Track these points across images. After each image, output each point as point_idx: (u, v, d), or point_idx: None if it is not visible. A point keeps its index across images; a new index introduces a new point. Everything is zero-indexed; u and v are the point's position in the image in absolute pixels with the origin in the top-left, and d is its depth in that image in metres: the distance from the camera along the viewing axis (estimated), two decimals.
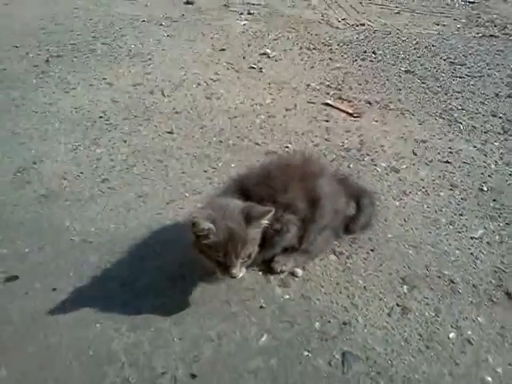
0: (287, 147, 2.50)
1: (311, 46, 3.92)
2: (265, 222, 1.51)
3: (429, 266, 1.81)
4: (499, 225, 2.02)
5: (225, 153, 2.44)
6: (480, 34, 4.25)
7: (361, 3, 5.22)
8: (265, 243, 1.60)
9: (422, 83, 3.28)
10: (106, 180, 2.20)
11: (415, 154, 2.48)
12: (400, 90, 3.19)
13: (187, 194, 2.12)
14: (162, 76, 3.29)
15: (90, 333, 1.51)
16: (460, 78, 3.37)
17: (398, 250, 1.87)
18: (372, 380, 1.41)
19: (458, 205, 2.13)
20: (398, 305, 1.65)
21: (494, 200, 2.16)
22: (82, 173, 2.25)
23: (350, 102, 3.02)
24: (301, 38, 4.13)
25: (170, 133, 2.60)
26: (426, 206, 2.11)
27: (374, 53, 3.78)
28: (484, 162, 2.44)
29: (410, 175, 2.31)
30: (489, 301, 1.68)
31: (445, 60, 3.66)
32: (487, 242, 1.93)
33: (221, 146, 2.50)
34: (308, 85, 3.24)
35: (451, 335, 1.55)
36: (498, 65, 3.58)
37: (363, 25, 4.47)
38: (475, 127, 2.75)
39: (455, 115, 2.88)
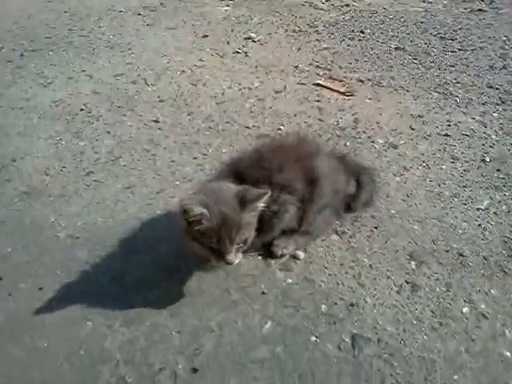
0: (280, 129, 2.39)
1: (297, 29, 3.81)
2: (261, 204, 1.41)
3: (436, 240, 1.72)
4: (505, 194, 1.94)
5: (215, 138, 2.34)
6: (468, 9, 4.15)
7: None
8: (263, 226, 1.50)
9: (414, 59, 3.19)
10: (91, 173, 2.09)
11: (413, 129, 2.39)
12: (391, 67, 3.09)
13: (178, 183, 2.02)
14: (143, 65, 3.17)
15: (81, 332, 1.41)
16: (452, 52, 3.28)
17: (403, 226, 1.78)
18: (385, 362, 1.32)
19: (461, 177, 2.04)
20: (406, 282, 1.56)
21: (498, 170, 2.08)
22: (64, 167, 2.13)
23: (341, 81, 2.92)
24: (285, 21, 4.01)
25: (155, 121, 2.49)
26: (428, 180, 2.02)
27: (361, 32, 3.68)
28: (484, 133, 2.35)
29: (409, 150, 2.22)
30: (501, 272, 1.60)
31: (435, 35, 3.56)
32: (494, 213, 1.84)
33: (210, 132, 2.39)
34: (296, 66, 3.13)
35: (464, 310, 1.47)
36: (489, 38, 3.49)
37: (348, 5, 4.36)
38: (472, 99, 2.66)
39: (450, 89, 2.79)
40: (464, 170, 2.08)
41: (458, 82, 2.86)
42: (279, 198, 1.52)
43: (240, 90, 2.83)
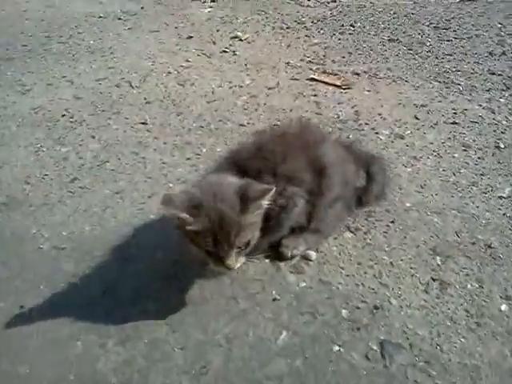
0: (276, 125, 2.24)
1: (284, 26, 3.68)
2: (265, 202, 1.24)
3: (459, 232, 1.57)
4: None
5: (208, 138, 2.17)
6: (457, 0, 4.07)
7: None
8: (269, 224, 1.34)
9: (409, 50, 3.06)
10: (76, 179, 1.91)
11: (417, 119, 2.25)
12: (387, 58, 2.97)
13: (171, 185, 1.85)
14: (127, 68, 3.00)
15: (70, 353, 1.23)
16: (448, 41, 3.17)
17: (421, 219, 1.63)
18: (422, 372, 1.15)
19: (477, 165, 1.90)
20: (433, 279, 1.40)
21: None
22: (46, 175, 1.95)
23: (336, 75, 2.78)
24: (271, 18, 3.88)
25: (143, 123, 2.32)
26: (441, 170, 1.87)
27: (352, 26, 3.56)
28: (494, 119, 2.22)
29: (416, 140, 2.08)
30: None
31: (428, 26, 3.45)
32: None
33: (202, 132, 2.23)
34: (287, 63, 2.99)
35: (503, 307, 1.31)
36: (483, 25, 3.39)
37: (334, 1, 4.25)
38: (475, 86, 2.54)
39: (451, 77, 2.66)
40: (478, 158, 1.94)
41: (459, 70, 2.74)
42: (286, 191, 1.35)
43: (231, 88, 2.68)
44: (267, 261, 1.48)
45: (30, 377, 1.17)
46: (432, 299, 1.34)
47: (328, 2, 4.24)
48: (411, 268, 1.44)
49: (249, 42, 3.41)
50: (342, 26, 3.59)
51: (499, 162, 1.90)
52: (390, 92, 2.54)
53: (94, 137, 2.22)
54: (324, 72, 2.83)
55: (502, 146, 2.00)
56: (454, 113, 2.29)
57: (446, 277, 1.40)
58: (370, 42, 3.23)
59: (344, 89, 2.60)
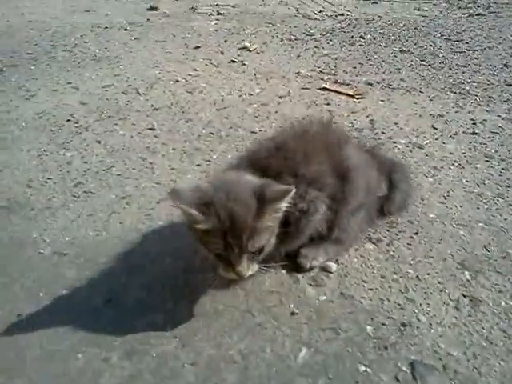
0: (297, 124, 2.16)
1: (292, 37, 3.63)
2: (284, 204, 1.14)
3: (488, 246, 1.47)
4: None
5: (218, 144, 2.09)
6: (466, 14, 4.03)
7: None
8: (287, 230, 1.24)
9: (422, 61, 3.01)
10: (80, 183, 1.82)
11: (435, 128, 2.18)
12: (399, 69, 2.90)
13: None
14: (133, 76, 2.93)
15: (70, 367, 1.12)
16: (460, 52, 3.11)
17: (446, 231, 1.53)
18: None
19: (501, 176, 1.81)
20: (464, 295, 1.30)
21: None
22: (49, 178, 1.86)
23: (348, 84, 2.72)
24: (279, 30, 3.84)
25: (151, 129, 2.24)
26: (464, 181, 1.79)
27: (361, 37, 3.51)
28: None
29: (436, 150, 2.00)
30: None
31: (439, 38, 3.41)
32: None
33: (212, 138, 2.15)
34: (298, 72, 2.93)
35: None
36: (496, 38, 3.35)
37: (342, 15, 4.22)
38: (493, 97, 2.47)
39: (467, 88, 2.60)
40: (502, 169, 1.86)
41: (474, 81, 2.67)
42: (307, 195, 1.25)
43: (240, 96, 2.61)
44: (284, 272, 1.38)
45: None
46: (464, 317, 1.24)
47: (336, 15, 4.20)
48: (439, 283, 1.34)
49: (257, 53, 3.35)
50: (352, 37, 3.54)
51: None
52: (404, 102, 2.47)
53: (99, 142, 2.14)
54: (336, 82, 2.76)
55: None
56: (473, 123, 2.21)
57: (478, 293, 1.30)
58: (381, 53, 3.17)
59: (357, 98, 2.53)
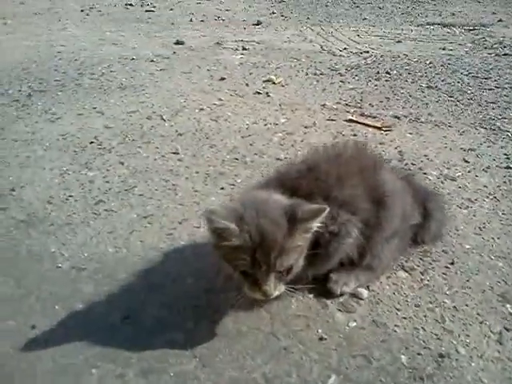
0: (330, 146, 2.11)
1: (317, 72, 3.63)
2: (316, 224, 1.09)
3: None
4: None
5: (243, 169, 2.05)
6: (493, 54, 4.02)
7: (359, 36, 5.01)
8: (316, 252, 1.17)
9: (450, 97, 2.96)
10: (101, 202, 1.78)
11: (467, 162, 2.11)
12: (427, 104, 2.86)
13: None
14: (158, 103, 2.93)
15: (83, 382, 1.06)
16: (489, 89, 3.07)
17: (484, 263, 1.45)
18: None
19: None
20: (506, 329, 1.21)
21: None
22: (71, 196, 1.83)
23: (374, 117, 2.68)
24: (304, 65, 3.84)
25: (174, 153, 2.21)
26: (501, 213, 1.71)
27: (387, 73, 3.49)
28: None
29: (469, 183, 1.93)
30: None
31: (466, 75, 3.37)
32: None
33: (237, 163, 2.11)
34: (323, 105, 2.90)
35: None
36: None
37: (367, 52, 4.23)
38: None
39: (497, 124, 2.54)
40: None
41: (505, 118, 2.62)
42: (339, 217, 1.19)
43: (265, 125, 2.58)
44: (311, 296, 1.31)
45: None
46: (508, 351, 1.14)
47: (361, 52, 4.22)
48: (478, 314, 1.25)
49: (282, 86, 3.35)
50: (378, 73, 3.53)
51: None
52: (433, 135, 2.41)
53: (122, 163, 2.11)
54: (362, 114, 2.73)
55: None
56: (507, 158, 2.14)
57: None
58: (407, 89, 3.15)
59: (385, 130, 2.48)
